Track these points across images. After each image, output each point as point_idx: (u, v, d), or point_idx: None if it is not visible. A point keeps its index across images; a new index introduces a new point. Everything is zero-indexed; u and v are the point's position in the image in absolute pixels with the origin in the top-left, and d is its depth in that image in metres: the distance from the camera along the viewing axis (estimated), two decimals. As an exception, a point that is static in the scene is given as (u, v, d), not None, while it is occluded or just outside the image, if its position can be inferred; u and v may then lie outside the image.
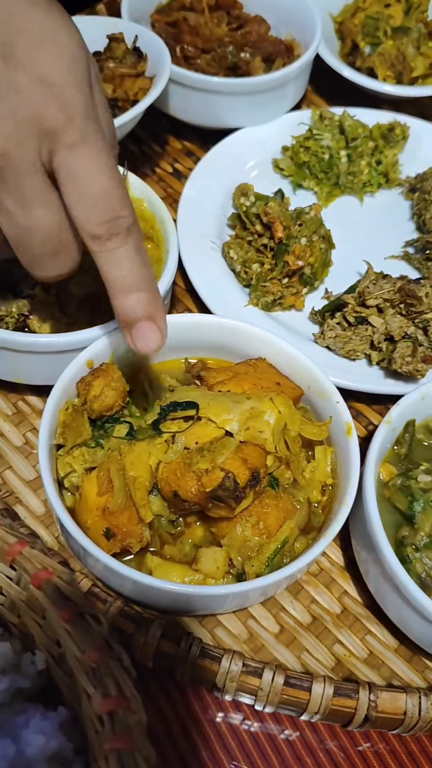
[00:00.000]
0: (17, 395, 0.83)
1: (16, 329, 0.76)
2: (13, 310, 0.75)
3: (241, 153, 1.06)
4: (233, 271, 0.94)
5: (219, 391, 0.72)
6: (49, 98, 0.55)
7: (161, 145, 1.12)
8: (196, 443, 0.67)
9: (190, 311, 0.94)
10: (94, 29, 1.04)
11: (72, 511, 0.67)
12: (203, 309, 0.91)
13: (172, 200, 1.05)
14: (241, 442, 0.66)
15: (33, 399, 0.83)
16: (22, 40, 0.55)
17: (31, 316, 0.76)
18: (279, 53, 1.12)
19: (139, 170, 1.08)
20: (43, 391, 0.80)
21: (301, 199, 1.03)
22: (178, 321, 0.77)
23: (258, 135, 1.08)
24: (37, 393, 0.83)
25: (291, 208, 0.97)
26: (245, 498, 0.64)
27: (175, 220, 0.98)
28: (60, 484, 0.69)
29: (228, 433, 0.67)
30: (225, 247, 0.94)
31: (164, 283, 0.78)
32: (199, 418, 0.68)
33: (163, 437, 0.68)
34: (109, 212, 0.56)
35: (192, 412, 0.68)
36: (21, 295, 0.76)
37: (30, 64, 0.55)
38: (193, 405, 0.68)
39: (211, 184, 1.02)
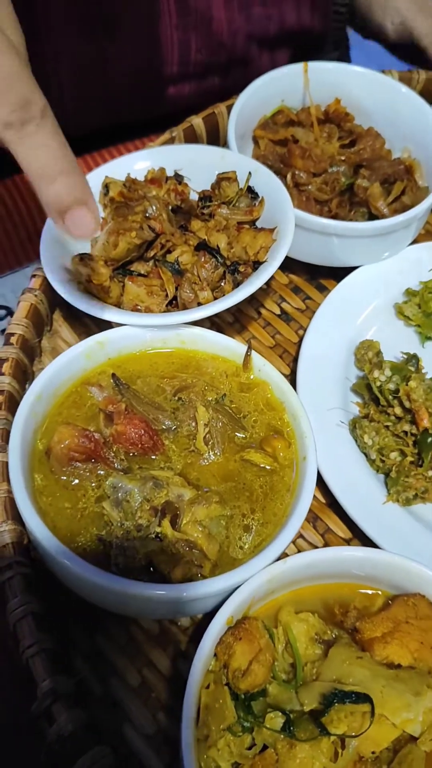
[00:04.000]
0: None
1: (140, 571, 0.65)
2: (140, 555, 0.64)
3: (360, 297, 0.95)
4: (365, 454, 0.82)
5: (384, 663, 0.61)
6: None
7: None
8: (372, 752, 0.56)
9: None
10: (198, 158, 0.93)
11: None
12: (332, 499, 0.80)
13: (282, 350, 0.94)
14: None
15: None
16: None
17: (159, 557, 0.65)
18: (398, 175, 1.00)
19: (243, 312, 0.97)
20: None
21: (431, 354, 0.91)
22: (320, 557, 0.67)
23: (377, 274, 0.96)
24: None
25: (425, 370, 0.86)
26: None
27: (292, 383, 0.88)
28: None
29: (411, 737, 0.56)
30: (356, 427, 0.82)
31: (300, 512, 0.67)
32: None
33: (330, 738, 0.57)
34: (19, 96, 0.53)
35: (365, 707, 0.57)
36: (148, 536, 0.65)
37: None
38: (366, 698, 0.57)
39: (330, 338, 0.90)
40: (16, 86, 0.53)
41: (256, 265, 0.82)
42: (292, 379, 0.91)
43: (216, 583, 0.63)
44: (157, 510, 0.66)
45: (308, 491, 0.69)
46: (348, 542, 0.80)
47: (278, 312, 0.98)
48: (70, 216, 0.58)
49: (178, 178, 0.91)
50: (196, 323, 0.79)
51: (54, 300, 0.88)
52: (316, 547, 0.79)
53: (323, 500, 0.82)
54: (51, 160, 0.55)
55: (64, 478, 0.70)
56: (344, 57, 1.48)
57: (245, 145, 1.02)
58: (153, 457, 0.72)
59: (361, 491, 0.80)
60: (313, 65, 1.04)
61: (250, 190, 0.89)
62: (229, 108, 1.05)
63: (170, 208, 0.88)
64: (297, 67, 1.03)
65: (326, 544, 0.80)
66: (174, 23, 1.08)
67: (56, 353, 0.89)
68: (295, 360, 0.92)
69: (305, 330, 0.94)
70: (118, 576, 0.62)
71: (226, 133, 1.04)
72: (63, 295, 0.79)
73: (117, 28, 1.06)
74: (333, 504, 0.81)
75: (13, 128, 0.53)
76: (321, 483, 0.79)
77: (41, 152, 0.55)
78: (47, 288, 0.86)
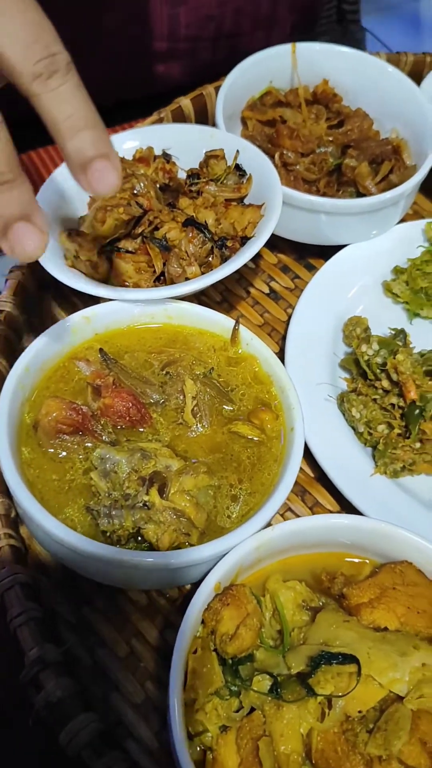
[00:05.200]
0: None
1: (128, 538, 0.65)
2: (127, 524, 0.64)
3: (348, 275, 0.95)
4: (353, 428, 0.82)
5: (371, 626, 0.62)
6: None
7: (254, 260, 1.00)
8: (359, 711, 0.56)
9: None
10: (187, 138, 0.93)
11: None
12: (320, 472, 0.80)
13: (271, 328, 0.94)
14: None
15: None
16: None
17: (146, 526, 0.65)
18: (385, 155, 1.00)
19: (232, 291, 0.97)
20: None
21: (419, 330, 0.92)
22: (308, 524, 0.67)
23: (365, 252, 0.97)
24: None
25: (413, 345, 0.86)
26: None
27: (281, 360, 0.88)
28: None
29: (398, 697, 0.56)
30: (344, 401, 0.83)
31: (287, 481, 0.68)
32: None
33: (317, 699, 0.57)
34: (46, 49, 0.52)
35: (351, 668, 0.57)
36: (135, 504, 0.65)
37: None
38: (352, 659, 0.57)
39: (319, 315, 0.91)
40: (43, 37, 0.53)
41: (244, 240, 0.82)
42: (281, 357, 0.90)
43: (204, 550, 0.63)
44: (144, 479, 0.66)
45: (295, 461, 0.69)
46: (336, 515, 0.80)
47: (267, 291, 0.98)
48: (92, 169, 0.55)
49: (166, 156, 0.92)
50: (183, 298, 0.79)
51: (42, 278, 0.88)
52: (305, 521, 0.80)
53: (311, 474, 0.82)
54: (76, 113, 0.54)
55: (52, 450, 0.70)
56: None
57: (234, 125, 1.03)
58: (141, 430, 0.72)
59: (349, 464, 0.80)
60: (302, 46, 1.04)
61: (238, 167, 0.89)
62: (218, 89, 1.05)
63: (158, 186, 0.88)
64: (285, 48, 1.04)
65: (315, 518, 0.80)
66: None
67: (44, 330, 0.89)
68: (284, 338, 0.92)
69: (294, 308, 0.94)
70: (106, 544, 0.63)
71: (215, 114, 1.05)
72: (50, 271, 0.79)
73: (108, 4, 1.05)
74: (321, 478, 0.81)
75: (40, 80, 0.53)
76: (309, 457, 0.79)
77: (67, 105, 0.54)
78: (35, 266, 0.86)
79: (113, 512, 0.64)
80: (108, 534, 0.64)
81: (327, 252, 0.98)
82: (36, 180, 1.17)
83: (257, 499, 0.69)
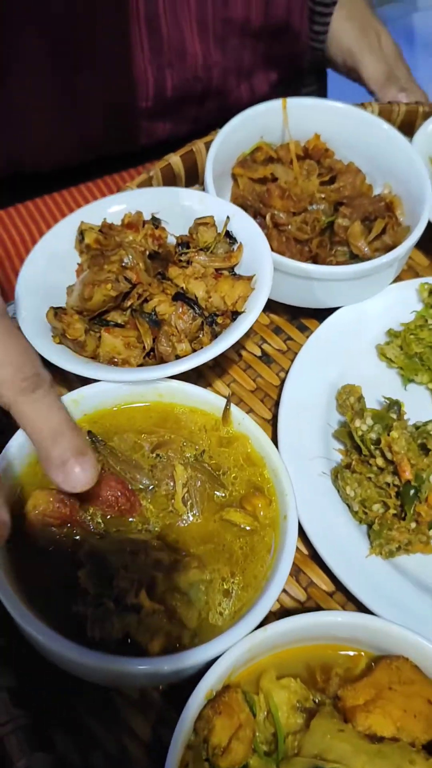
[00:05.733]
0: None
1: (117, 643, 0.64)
2: (116, 630, 0.62)
3: (341, 339, 0.93)
4: (348, 505, 0.81)
5: (366, 733, 0.60)
6: None
7: (246, 321, 0.99)
8: None
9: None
10: (175, 201, 0.92)
11: None
12: (314, 550, 0.78)
13: (264, 394, 0.93)
14: None
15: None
16: None
17: (136, 630, 0.63)
18: (378, 212, 0.98)
19: (223, 355, 0.95)
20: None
21: (413, 397, 0.90)
22: (301, 623, 0.65)
23: (358, 315, 0.95)
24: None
25: (407, 417, 0.85)
26: None
27: (274, 428, 0.87)
28: None
29: None
30: (338, 477, 0.81)
31: (281, 576, 0.66)
32: (354, 793, 0.55)
33: None
34: (33, 369, 0.62)
35: (344, 785, 0.56)
36: (125, 607, 0.63)
37: None
38: (346, 779, 0.56)
39: (312, 382, 0.89)
40: (30, 360, 0.63)
41: (235, 315, 0.80)
42: (274, 425, 0.89)
43: (195, 654, 0.62)
44: (134, 580, 0.65)
45: (288, 553, 0.68)
46: (331, 595, 0.79)
47: (259, 353, 0.96)
48: (69, 468, 0.62)
49: (155, 222, 0.90)
50: (174, 376, 0.78)
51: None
52: (299, 601, 0.78)
53: (306, 552, 0.81)
54: (56, 420, 0.63)
55: (40, 545, 0.68)
56: (323, 88, 1.47)
57: (224, 182, 1.01)
58: (130, 519, 0.71)
59: (343, 543, 0.78)
60: (292, 101, 1.02)
61: (228, 234, 0.87)
62: (207, 144, 1.04)
63: (147, 253, 0.86)
64: (276, 104, 1.02)
65: (309, 598, 0.79)
66: (147, 58, 1.07)
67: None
68: (277, 404, 0.91)
69: (287, 373, 0.93)
70: (94, 651, 0.61)
71: (205, 172, 1.03)
72: (38, 349, 0.77)
73: (88, 64, 1.04)
74: (315, 556, 0.79)
75: (26, 393, 0.61)
76: (303, 534, 0.78)
77: (49, 414, 0.62)
78: (23, 337, 0.84)
79: (102, 617, 0.63)
80: (96, 639, 0.63)
81: (320, 312, 0.97)
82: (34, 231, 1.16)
83: (250, 594, 0.68)
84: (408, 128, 1.12)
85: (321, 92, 1.49)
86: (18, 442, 0.71)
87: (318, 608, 0.78)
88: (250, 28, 1.13)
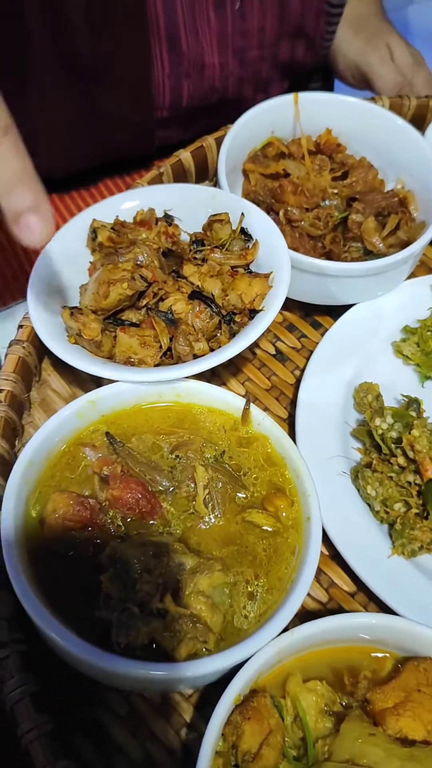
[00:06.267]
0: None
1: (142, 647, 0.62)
2: (142, 635, 0.61)
3: (356, 336, 0.92)
4: (368, 504, 0.80)
5: (397, 737, 0.59)
6: None
7: (260, 318, 0.98)
8: None
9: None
10: (188, 198, 0.90)
11: None
12: (335, 550, 0.77)
13: (279, 392, 0.91)
14: None
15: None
16: None
17: (162, 636, 0.62)
18: (392, 208, 0.97)
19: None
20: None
21: (431, 394, 0.89)
22: (327, 626, 0.65)
23: (373, 312, 0.94)
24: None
25: (426, 414, 0.84)
26: None
27: (290, 427, 0.86)
28: None
29: None
30: (358, 476, 0.80)
31: (306, 579, 0.65)
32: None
33: None
34: None
35: (380, 794, 0.55)
36: (149, 612, 0.62)
37: None
38: (380, 784, 0.55)
39: (328, 381, 0.88)
40: None
41: (252, 313, 0.79)
42: (290, 423, 0.89)
43: (222, 660, 0.61)
44: (158, 584, 0.64)
45: (313, 555, 0.67)
46: (353, 596, 0.78)
47: (273, 352, 0.95)
48: (23, 221, 0.59)
49: (168, 219, 0.89)
50: (191, 375, 0.77)
51: (42, 348, 0.85)
52: (321, 602, 0.77)
53: (326, 552, 0.80)
54: (11, 171, 0.58)
55: (60, 548, 0.67)
56: (330, 82, 1.45)
57: (235, 178, 1.00)
58: (151, 522, 0.70)
59: (364, 543, 0.78)
60: (304, 96, 1.01)
61: (243, 231, 0.86)
62: (218, 140, 1.02)
63: (161, 251, 0.85)
64: (287, 98, 1.01)
65: (331, 599, 0.78)
66: (167, 72, 1.05)
67: (46, 405, 0.86)
68: (293, 403, 0.90)
69: (302, 371, 0.92)
70: (120, 656, 0.60)
71: (215, 166, 1.02)
72: (53, 350, 0.76)
73: (106, 77, 1.02)
74: (336, 556, 0.78)
75: None
76: (324, 534, 0.77)
77: (4, 162, 0.58)
78: (35, 337, 0.83)
79: (127, 622, 0.62)
80: (122, 645, 0.62)
81: (334, 309, 0.96)
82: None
83: (275, 597, 0.67)
84: (419, 122, 1.11)
85: (327, 87, 1.47)
86: (34, 444, 0.70)
87: (340, 609, 0.77)
88: (266, 38, 1.12)
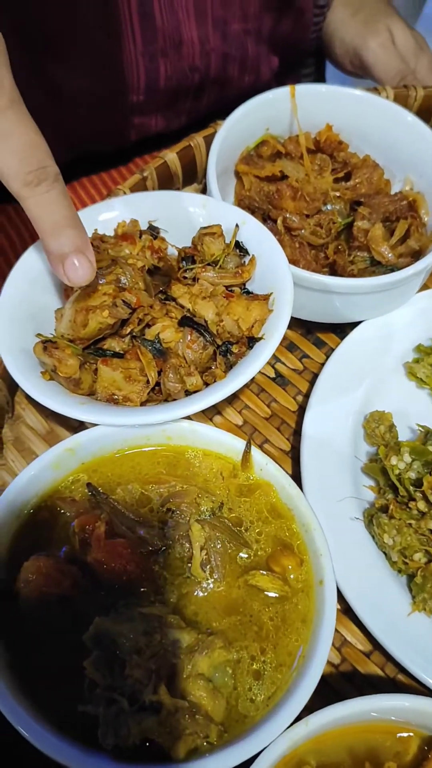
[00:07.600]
0: None
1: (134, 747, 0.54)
2: (134, 735, 0.52)
3: (365, 358, 0.83)
4: (384, 553, 0.72)
5: None
6: None
7: (258, 337, 0.89)
8: None
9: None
10: (175, 207, 0.81)
11: None
12: (348, 604, 0.69)
13: (280, 421, 0.82)
14: None
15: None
16: None
17: (157, 733, 0.53)
18: (400, 212, 0.88)
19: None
20: None
21: (447, 421, 0.81)
22: (346, 711, 0.56)
23: (383, 330, 0.85)
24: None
25: (444, 446, 0.75)
26: None
27: (293, 460, 0.77)
28: None
29: None
30: (372, 521, 0.72)
31: (321, 655, 0.57)
32: None
33: None
34: (39, 161, 0.61)
35: None
36: (141, 706, 0.53)
37: None
38: None
39: (336, 410, 0.79)
40: (36, 153, 0.61)
41: (251, 341, 0.70)
42: (294, 456, 0.80)
43: (226, 757, 0.53)
44: (150, 669, 0.55)
45: (328, 626, 0.59)
46: (368, 656, 0.70)
47: (273, 375, 0.86)
48: (68, 262, 0.64)
49: (154, 231, 0.79)
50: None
51: (14, 381, 0.75)
52: (333, 665, 0.69)
53: (339, 606, 0.71)
54: (59, 216, 0.63)
55: (37, 626, 0.58)
56: (321, 69, 1.35)
57: (226, 181, 0.90)
58: (142, 589, 0.61)
59: (381, 598, 0.69)
60: (301, 88, 0.91)
61: (238, 245, 0.77)
62: (207, 139, 0.92)
63: (146, 268, 0.75)
64: (283, 91, 0.90)
65: (344, 660, 0.70)
66: (139, 48, 0.94)
67: (20, 443, 0.77)
68: (295, 433, 0.81)
69: (305, 396, 0.83)
70: (108, 758, 0.52)
71: (205, 168, 0.92)
72: (25, 388, 0.66)
73: (68, 52, 0.91)
74: (349, 610, 0.70)
75: (30, 186, 0.61)
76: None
77: (51, 208, 0.62)
78: (4, 370, 0.73)
79: (115, 720, 0.53)
80: (111, 746, 0.53)
81: (338, 325, 0.87)
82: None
83: (284, 675, 0.58)
84: (425, 114, 1.01)
85: (319, 73, 1.37)
86: (7, 500, 0.61)
87: (354, 671, 0.69)
88: (249, 8, 1.00)
